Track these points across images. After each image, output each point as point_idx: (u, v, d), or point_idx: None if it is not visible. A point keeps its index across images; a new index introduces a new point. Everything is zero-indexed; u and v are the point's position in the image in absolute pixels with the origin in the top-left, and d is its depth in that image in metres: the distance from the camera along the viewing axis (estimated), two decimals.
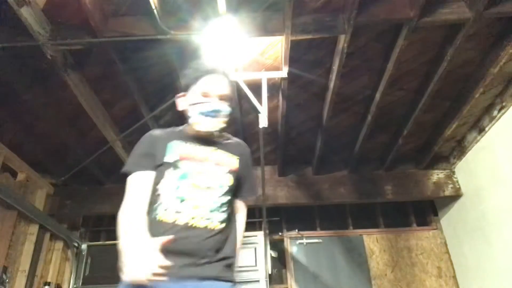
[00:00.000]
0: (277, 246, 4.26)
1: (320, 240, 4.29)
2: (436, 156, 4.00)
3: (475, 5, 2.29)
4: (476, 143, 3.63)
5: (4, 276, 3.13)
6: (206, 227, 1.27)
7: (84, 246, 4.15)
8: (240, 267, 3.95)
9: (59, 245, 3.92)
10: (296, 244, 4.29)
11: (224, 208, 1.33)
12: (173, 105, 3.02)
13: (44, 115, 3.06)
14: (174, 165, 1.34)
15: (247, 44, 2.56)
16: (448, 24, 2.48)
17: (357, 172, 4.12)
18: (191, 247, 1.24)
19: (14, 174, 3.45)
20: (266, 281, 3.83)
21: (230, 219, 1.37)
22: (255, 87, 2.83)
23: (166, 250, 1.15)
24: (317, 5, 2.41)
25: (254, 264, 3.93)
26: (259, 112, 2.80)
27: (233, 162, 1.42)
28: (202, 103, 1.38)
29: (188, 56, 2.67)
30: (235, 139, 1.55)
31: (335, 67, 2.71)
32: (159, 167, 1.36)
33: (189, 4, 2.32)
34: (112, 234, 4.34)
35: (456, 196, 4.01)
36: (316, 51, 2.73)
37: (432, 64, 2.84)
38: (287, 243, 4.29)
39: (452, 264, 4.13)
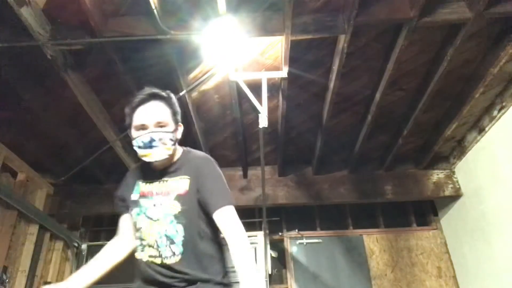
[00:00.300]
0: (277, 246, 4.26)
1: (320, 240, 4.29)
2: (436, 156, 4.00)
3: (475, 5, 2.29)
4: (476, 143, 3.63)
5: (4, 276, 3.13)
6: (162, 263, 1.31)
7: (84, 246, 4.16)
8: None
9: (59, 245, 3.92)
10: (296, 244, 4.29)
11: (180, 238, 1.31)
12: None
13: (44, 115, 3.06)
14: (136, 203, 1.42)
15: (247, 44, 2.56)
16: (448, 24, 2.48)
17: (357, 172, 4.11)
18: (160, 281, 1.30)
19: (14, 174, 3.45)
20: (266, 281, 3.82)
21: (197, 244, 1.32)
22: (255, 87, 2.83)
23: (145, 280, 1.34)
24: (317, 5, 2.41)
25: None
26: (259, 112, 2.80)
27: (181, 186, 1.37)
28: (138, 136, 1.37)
29: (188, 56, 2.67)
30: (192, 155, 1.48)
31: (335, 67, 2.71)
32: (130, 207, 1.44)
33: (189, 4, 2.32)
34: (112, 234, 4.33)
35: (456, 196, 4.01)
36: (316, 51, 2.73)
37: (432, 64, 2.84)
38: (287, 243, 4.29)
39: (452, 264, 4.13)
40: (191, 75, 2.87)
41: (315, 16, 2.44)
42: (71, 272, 4.00)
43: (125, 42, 2.42)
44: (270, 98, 2.98)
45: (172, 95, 1.50)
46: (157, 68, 2.74)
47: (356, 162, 3.96)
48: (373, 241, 4.29)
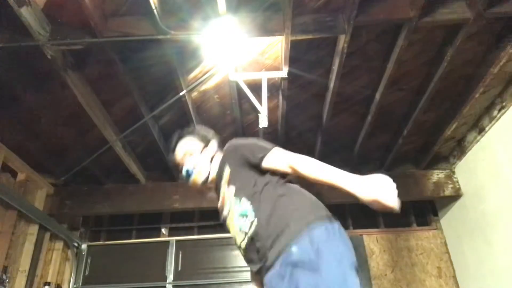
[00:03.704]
0: None
1: None
2: (436, 156, 4.00)
3: (475, 5, 2.29)
4: (476, 143, 3.63)
5: (4, 276, 3.13)
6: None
7: (84, 246, 4.16)
8: (240, 267, 3.96)
9: (59, 245, 3.92)
10: None
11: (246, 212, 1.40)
12: (173, 105, 3.04)
13: (44, 115, 3.06)
14: None
15: (247, 44, 2.56)
16: (448, 24, 2.48)
17: (357, 172, 4.07)
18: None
19: (14, 174, 3.45)
20: None
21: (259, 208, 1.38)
22: (255, 87, 2.83)
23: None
24: (317, 5, 2.41)
25: None
26: (259, 112, 2.80)
27: (226, 173, 1.54)
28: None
29: (188, 56, 2.67)
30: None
31: (335, 67, 2.71)
32: None
33: (189, 4, 2.32)
34: (112, 234, 4.34)
35: (456, 196, 4.01)
36: (316, 51, 2.73)
37: (432, 64, 2.84)
38: None
39: (452, 264, 4.13)
40: (191, 75, 2.87)
41: (315, 16, 2.44)
42: (71, 272, 4.01)
43: (125, 42, 2.41)
44: (270, 98, 2.98)
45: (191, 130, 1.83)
46: (157, 68, 2.74)
47: (356, 162, 3.96)
48: (373, 241, 4.29)
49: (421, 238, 4.29)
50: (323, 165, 1.38)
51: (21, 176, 3.50)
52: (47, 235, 3.75)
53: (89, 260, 4.09)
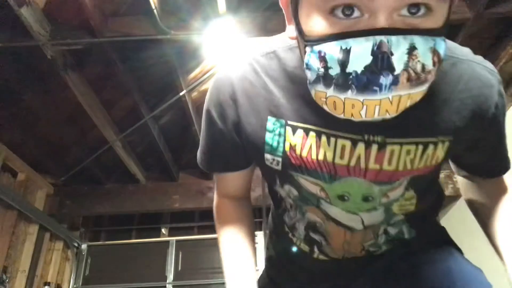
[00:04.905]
0: None
1: None
2: None
3: (475, 5, 2.28)
4: None
5: (4, 276, 3.13)
6: None
7: (84, 246, 4.15)
8: None
9: (59, 245, 3.92)
10: None
11: None
12: (173, 105, 3.04)
13: (44, 115, 3.06)
14: None
15: (247, 44, 2.56)
16: (448, 24, 2.47)
17: None
18: None
19: (14, 174, 3.45)
20: None
21: None
22: None
23: None
24: None
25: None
26: None
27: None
28: (338, 37, 0.49)
29: (188, 56, 2.67)
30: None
31: None
32: None
33: (189, 4, 2.32)
34: (112, 234, 4.34)
35: (456, 196, 4.00)
36: None
37: None
38: None
39: None
40: (191, 75, 2.87)
41: None
42: (71, 272, 4.01)
43: (125, 42, 2.42)
44: None
45: None
46: (157, 68, 2.74)
47: None
48: None
49: None
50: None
51: (21, 176, 3.50)
52: (47, 235, 3.75)
53: (89, 260, 4.09)
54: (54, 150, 3.54)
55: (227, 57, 2.64)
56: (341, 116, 0.54)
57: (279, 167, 0.70)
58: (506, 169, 0.80)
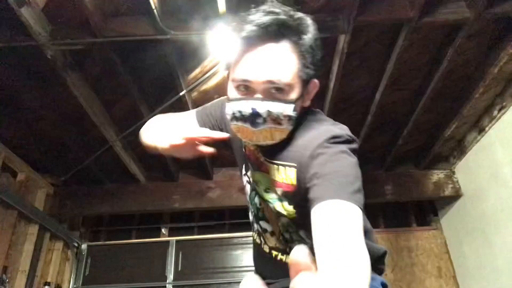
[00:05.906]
0: None
1: None
2: (436, 156, 3.99)
3: (475, 5, 2.28)
4: (476, 143, 3.63)
5: (4, 276, 3.13)
6: None
7: (84, 246, 4.15)
8: (240, 267, 3.96)
9: (59, 245, 3.92)
10: None
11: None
12: (173, 105, 3.04)
13: (44, 115, 3.06)
14: None
15: None
16: (448, 24, 2.47)
17: None
18: None
19: (14, 174, 3.45)
20: None
21: None
22: None
23: None
24: (317, 5, 2.40)
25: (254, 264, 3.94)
26: None
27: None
28: (235, 100, 0.90)
29: (188, 56, 2.67)
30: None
31: (335, 67, 2.71)
32: None
33: (189, 4, 2.32)
34: (112, 234, 4.34)
35: (456, 196, 4.01)
36: None
37: (432, 64, 2.84)
38: None
39: (452, 264, 4.13)
40: (191, 75, 2.87)
41: (315, 16, 2.42)
42: (71, 272, 4.00)
43: (125, 42, 2.42)
44: None
45: (307, 28, 1.00)
46: (157, 68, 2.74)
47: None
48: None
49: (421, 238, 4.29)
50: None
51: (21, 176, 3.50)
52: (47, 235, 3.75)
53: (89, 260, 4.09)
54: (54, 150, 3.54)
55: (227, 57, 2.65)
56: (247, 140, 0.96)
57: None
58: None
